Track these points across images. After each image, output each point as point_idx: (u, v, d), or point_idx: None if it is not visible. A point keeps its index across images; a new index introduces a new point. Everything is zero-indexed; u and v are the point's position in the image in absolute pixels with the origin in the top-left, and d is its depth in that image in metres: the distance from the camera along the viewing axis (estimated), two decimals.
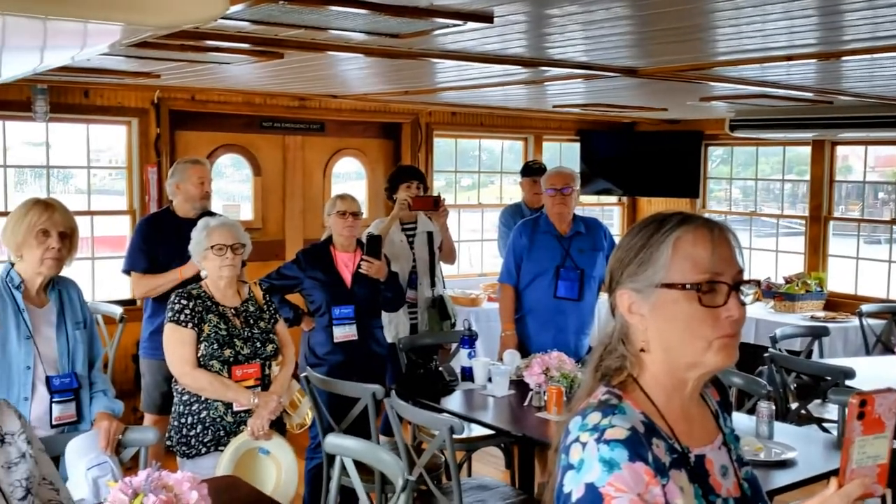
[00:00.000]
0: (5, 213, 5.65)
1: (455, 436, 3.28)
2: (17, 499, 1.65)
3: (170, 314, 3.53)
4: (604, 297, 5.05)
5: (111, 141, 6.39)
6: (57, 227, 3.09)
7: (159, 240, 4.59)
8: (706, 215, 1.54)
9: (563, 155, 8.45)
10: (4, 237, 3.16)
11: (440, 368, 4.22)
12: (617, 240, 5.08)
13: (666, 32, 3.41)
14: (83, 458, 3.02)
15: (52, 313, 3.18)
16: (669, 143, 8.02)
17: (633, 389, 1.46)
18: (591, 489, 1.32)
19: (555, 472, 1.43)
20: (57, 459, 3.04)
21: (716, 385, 1.66)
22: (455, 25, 3.03)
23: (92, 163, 6.24)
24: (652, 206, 8.38)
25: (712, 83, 4.86)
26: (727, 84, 4.89)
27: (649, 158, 7.99)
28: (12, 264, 3.16)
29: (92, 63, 4.21)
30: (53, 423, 3.12)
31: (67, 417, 3.15)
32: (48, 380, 3.11)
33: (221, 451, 3.44)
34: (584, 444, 1.36)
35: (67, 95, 5.78)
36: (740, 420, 3.58)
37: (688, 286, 1.41)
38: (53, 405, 3.11)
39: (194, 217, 4.51)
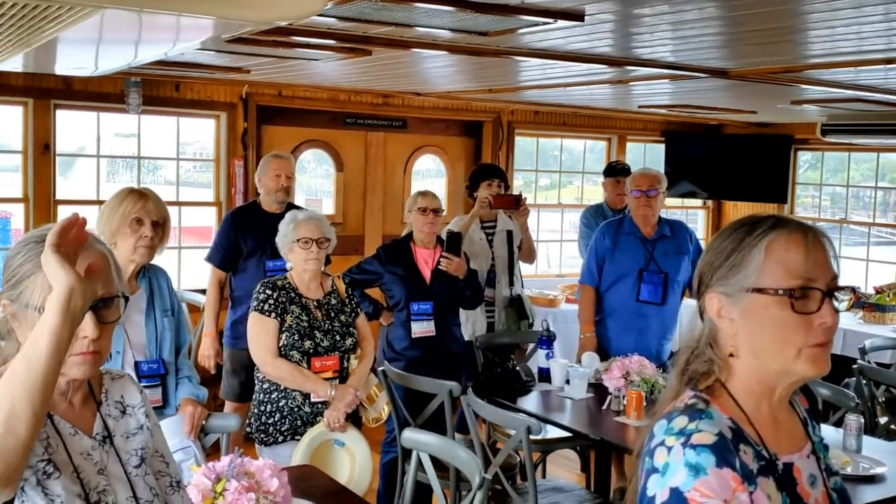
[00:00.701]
0: (98, 202, 5.88)
1: (532, 436, 3.26)
2: (133, 466, 1.73)
3: (254, 303, 3.60)
4: (687, 301, 4.96)
5: (198, 134, 6.55)
6: (150, 216, 3.18)
7: (244, 232, 4.71)
8: None
9: (647, 156, 8.32)
10: (99, 225, 3.26)
11: (517, 368, 4.20)
12: (703, 244, 5.02)
13: (758, 33, 3.33)
14: (167, 442, 3.10)
15: (142, 300, 3.27)
16: (757, 146, 7.82)
17: (721, 394, 1.45)
18: (676, 493, 1.30)
19: (637, 475, 1.42)
20: None
21: (804, 392, 1.62)
22: (545, 23, 3.00)
23: (179, 155, 6.42)
24: (738, 210, 8.19)
25: (804, 86, 4.72)
26: (820, 87, 4.75)
27: (736, 162, 7.80)
28: None
29: (185, 57, 4.32)
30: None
31: (154, 402, 3.22)
32: (136, 365, 3.20)
33: (298, 440, 3.50)
34: (669, 448, 1.35)
35: (159, 89, 5.95)
36: (826, 432, 3.46)
37: (780, 292, 1.38)
38: None
39: (278, 211, 4.62)
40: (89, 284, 1.48)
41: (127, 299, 1.68)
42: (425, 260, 4.47)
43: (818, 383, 3.78)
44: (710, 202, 8.55)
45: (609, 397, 3.85)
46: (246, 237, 4.71)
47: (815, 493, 1.43)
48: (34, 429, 1.40)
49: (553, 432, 4.10)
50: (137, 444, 1.76)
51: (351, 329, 3.71)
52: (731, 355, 1.45)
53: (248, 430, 3.63)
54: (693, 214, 8.68)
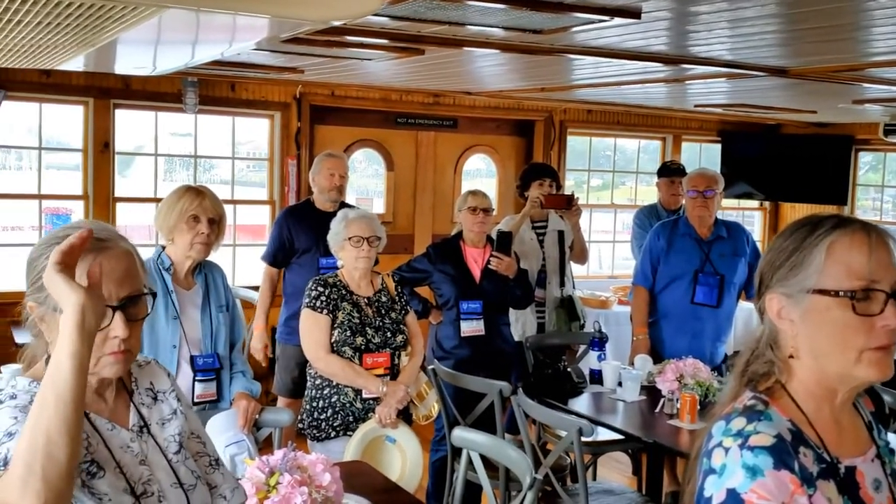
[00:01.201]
0: (156, 200, 5.99)
1: (583, 438, 3.23)
2: (172, 452, 1.75)
3: (307, 300, 3.64)
4: (742, 304, 4.86)
5: (251, 134, 6.64)
6: (207, 213, 3.23)
7: (297, 230, 4.77)
8: None
9: (702, 156, 8.21)
10: (157, 221, 3.32)
11: (568, 369, 4.17)
12: (759, 246, 4.93)
13: (819, 31, 3.26)
14: (221, 435, 3.15)
15: (198, 296, 3.32)
16: (817, 146, 7.66)
17: (781, 396, 1.43)
18: (733, 495, 1.29)
19: (695, 476, 1.41)
20: None
21: (870, 395, 1.59)
22: (600, 21, 2.98)
23: (234, 154, 6.51)
24: (795, 211, 8.04)
25: (866, 84, 4.62)
26: (883, 86, 4.64)
27: (795, 162, 7.65)
28: (163, 247, 3.32)
29: (241, 57, 4.37)
30: (195, 400, 3.25)
31: (208, 396, 3.28)
32: (192, 359, 3.25)
33: (350, 436, 3.52)
34: (727, 449, 1.34)
35: (215, 88, 6.05)
36: (892, 438, 3.37)
37: (842, 293, 1.36)
38: (196, 383, 3.25)
39: (331, 210, 4.66)
40: (98, 298, 1.46)
41: (154, 295, 1.68)
42: (475, 259, 4.47)
43: (880, 388, 3.68)
44: (766, 203, 8.40)
45: (662, 400, 3.80)
46: (299, 235, 4.77)
47: (879, 497, 1.41)
48: (74, 451, 1.40)
49: (604, 434, 4.06)
50: (174, 429, 1.77)
51: (401, 326, 3.73)
52: (792, 357, 1.43)
53: (301, 425, 3.66)
54: (749, 216, 8.55)
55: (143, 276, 1.67)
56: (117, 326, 1.58)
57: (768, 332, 1.47)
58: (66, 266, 1.44)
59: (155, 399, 1.80)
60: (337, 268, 4.11)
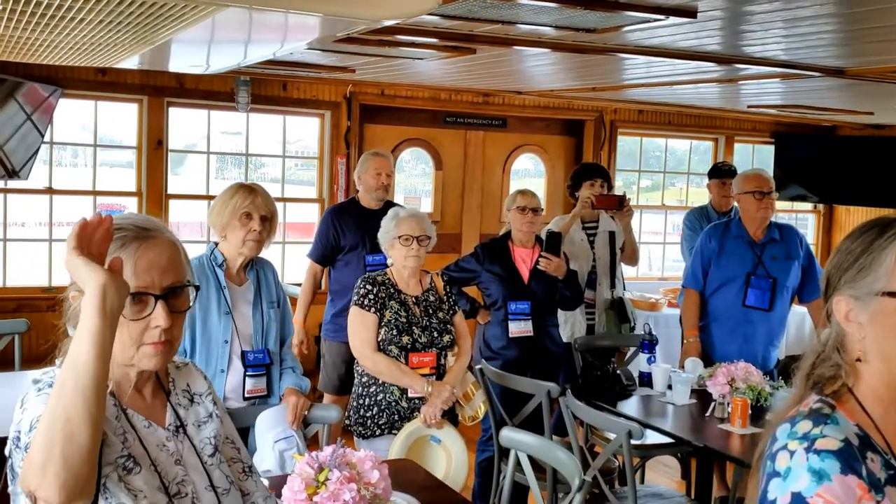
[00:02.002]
0: (208, 198, 6.08)
1: (632, 441, 3.20)
2: (208, 455, 1.74)
3: (355, 298, 3.66)
4: (795, 308, 4.75)
5: (300, 132, 6.70)
6: (259, 210, 3.26)
7: (343, 228, 4.81)
8: None
9: (755, 158, 8.09)
10: (211, 218, 3.36)
11: (617, 372, 4.13)
12: (813, 249, 4.83)
13: (878, 31, 3.20)
14: (271, 430, 3.18)
15: (250, 292, 3.36)
16: (874, 149, 7.49)
17: (848, 400, 1.40)
18: (798, 499, 1.28)
19: (757, 478, 1.40)
20: (247, 431, 3.22)
21: None
22: (655, 20, 2.94)
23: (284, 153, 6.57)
24: (850, 214, 7.88)
25: None
26: None
27: (850, 165, 7.49)
28: (216, 244, 3.36)
29: (293, 57, 4.41)
30: (246, 395, 3.29)
31: (259, 391, 3.32)
32: (243, 354, 3.29)
33: (395, 434, 3.53)
34: (792, 453, 1.32)
35: (267, 88, 6.11)
36: None
37: None
38: (247, 378, 3.28)
39: (377, 208, 4.69)
40: (121, 281, 1.41)
41: (198, 288, 1.66)
42: (523, 259, 4.45)
43: None
44: (820, 206, 8.25)
45: (713, 404, 3.75)
46: (345, 232, 4.80)
47: None
48: (95, 435, 1.35)
49: (653, 438, 4.02)
50: (209, 432, 1.76)
51: (448, 326, 3.73)
52: (859, 360, 1.41)
53: (347, 422, 3.68)
54: (803, 219, 8.40)
55: (186, 268, 1.65)
56: (159, 315, 1.56)
57: (835, 334, 1.44)
58: (84, 248, 1.40)
59: (191, 401, 1.78)
60: (384, 264, 4.16)
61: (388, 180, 4.84)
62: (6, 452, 1.50)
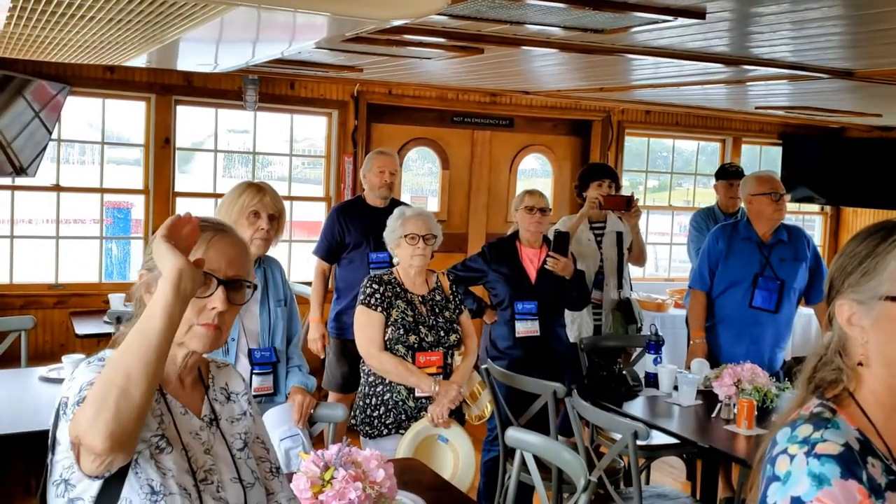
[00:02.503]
0: (215, 196, 6.09)
1: (638, 441, 3.20)
2: (237, 448, 1.81)
3: (361, 297, 3.66)
4: (802, 310, 4.73)
5: (307, 131, 6.71)
6: (267, 209, 3.27)
7: (348, 226, 4.86)
8: None
9: (762, 159, 8.08)
10: (218, 216, 3.36)
11: (623, 372, 4.13)
12: (820, 251, 4.82)
13: (887, 33, 3.18)
14: (277, 429, 3.18)
15: (257, 290, 3.36)
16: (882, 151, 7.47)
17: (849, 404, 1.40)
18: (798, 503, 1.27)
19: (757, 482, 1.40)
20: None
21: None
22: (664, 21, 2.94)
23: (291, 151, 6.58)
24: (857, 216, 7.86)
25: None
26: None
27: (858, 167, 7.48)
28: None
29: (301, 56, 4.42)
30: (252, 393, 3.27)
31: (265, 389, 3.32)
32: (250, 352, 3.29)
33: (402, 434, 3.53)
34: (792, 457, 1.31)
35: (275, 86, 6.12)
36: None
37: None
38: (253, 376, 3.28)
39: (382, 206, 4.71)
40: (197, 271, 1.54)
41: (255, 288, 1.77)
42: (531, 259, 4.44)
43: None
44: (828, 208, 8.23)
45: (719, 405, 3.75)
46: (350, 230, 4.84)
47: None
48: (148, 396, 1.46)
49: (658, 438, 4.02)
50: (241, 428, 1.84)
51: (455, 325, 3.73)
52: (861, 364, 1.40)
53: (353, 421, 3.68)
54: (810, 220, 8.38)
55: (251, 269, 1.78)
56: (217, 298, 1.68)
57: (837, 338, 1.44)
58: (172, 238, 1.54)
59: (228, 398, 1.87)
60: (388, 262, 4.21)
61: (392, 179, 4.85)
62: (51, 422, 1.59)
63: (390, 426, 3.58)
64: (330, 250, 4.92)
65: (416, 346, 3.60)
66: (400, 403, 3.58)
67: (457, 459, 3.55)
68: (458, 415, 3.68)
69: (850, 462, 1.27)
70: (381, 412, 3.59)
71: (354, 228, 4.83)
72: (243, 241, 1.81)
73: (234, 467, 1.76)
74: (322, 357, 5.00)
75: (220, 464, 1.74)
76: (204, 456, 1.72)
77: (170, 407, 1.70)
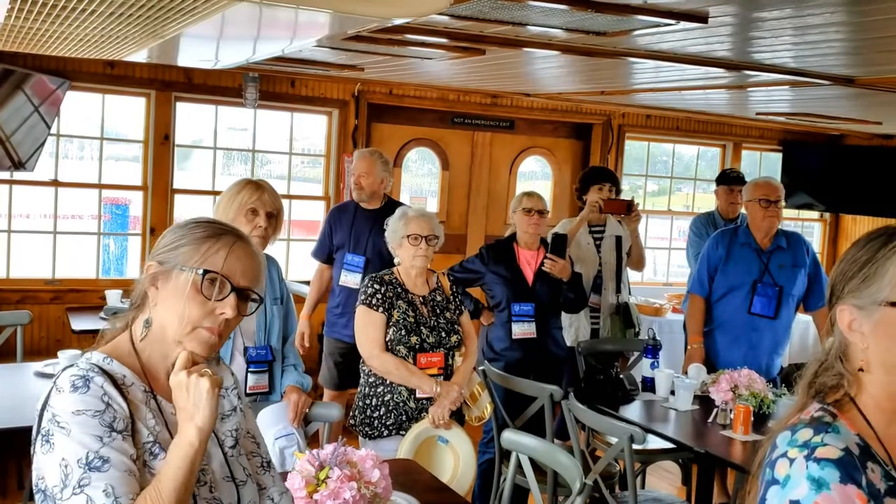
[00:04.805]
0: (213, 193, 6.08)
1: (634, 446, 3.19)
2: (229, 446, 1.79)
3: (362, 297, 3.64)
4: (800, 316, 4.71)
5: (308, 130, 6.70)
6: (265, 207, 3.26)
7: (337, 227, 4.92)
8: None
9: (762, 165, 8.08)
10: (216, 213, 3.35)
11: (620, 376, 4.12)
12: (819, 258, 4.82)
13: (889, 40, 3.17)
14: (272, 428, 3.17)
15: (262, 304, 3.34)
16: (881, 159, 7.48)
17: (850, 409, 1.39)
18: None
19: (756, 486, 1.39)
20: None
21: None
22: (666, 24, 2.93)
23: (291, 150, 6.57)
24: (857, 224, 7.87)
25: None
26: None
27: (858, 174, 7.48)
28: None
29: (302, 54, 4.41)
30: (248, 391, 3.27)
31: (260, 388, 3.31)
32: (246, 351, 3.28)
33: (402, 435, 3.51)
34: (791, 461, 1.31)
35: (275, 84, 6.11)
36: None
37: None
38: (249, 375, 3.27)
39: (371, 208, 4.78)
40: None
41: (261, 303, 1.75)
42: (528, 261, 4.44)
43: None
44: (827, 215, 8.23)
45: (715, 410, 3.74)
46: (338, 231, 4.89)
47: None
48: None
49: (654, 443, 4.01)
50: (231, 425, 1.81)
51: (456, 326, 3.72)
52: (862, 370, 1.40)
53: (352, 422, 3.66)
54: (809, 227, 8.38)
55: (263, 283, 1.76)
56: (228, 304, 1.64)
57: (838, 343, 1.43)
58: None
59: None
60: (361, 267, 4.48)
61: (364, 181, 4.82)
62: (31, 452, 1.58)
63: (391, 427, 3.56)
64: (322, 250, 5.00)
65: (417, 347, 3.59)
66: (401, 404, 3.56)
67: (457, 461, 3.54)
68: (457, 416, 3.66)
69: (850, 467, 1.27)
70: (381, 413, 3.57)
71: (341, 230, 4.88)
72: (261, 255, 1.78)
73: (226, 466, 1.74)
74: (301, 353, 5.03)
75: (213, 463, 1.72)
76: None
77: (161, 408, 1.67)
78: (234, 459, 1.77)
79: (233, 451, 1.78)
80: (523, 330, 4.34)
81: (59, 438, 1.52)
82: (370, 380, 3.64)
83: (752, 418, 3.55)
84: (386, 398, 3.58)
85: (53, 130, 5.61)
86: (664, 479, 5.25)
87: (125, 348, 1.69)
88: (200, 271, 1.64)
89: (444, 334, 3.65)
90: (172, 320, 1.64)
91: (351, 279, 4.76)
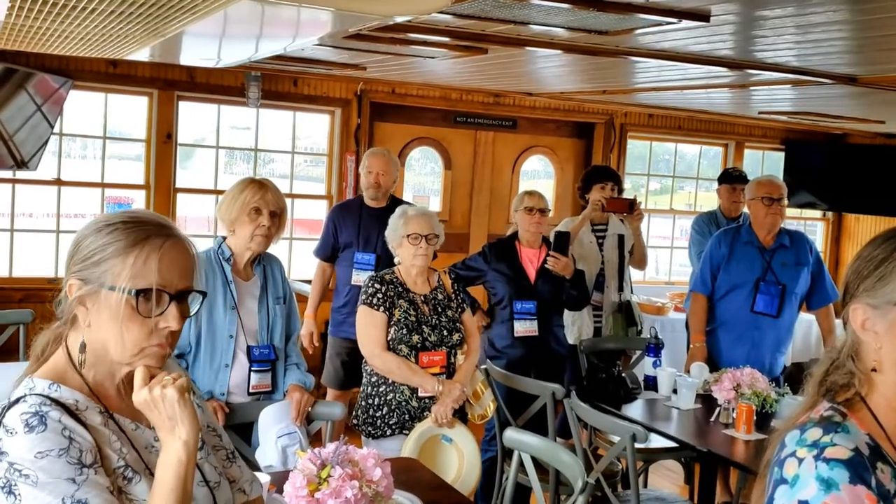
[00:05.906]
0: (216, 192, 6.08)
1: (636, 444, 3.19)
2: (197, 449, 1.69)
3: (363, 297, 3.64)
4: (803, 315, 4.71)
5: (310, 129, 6.70)
6: (269, 206, 3.26)
7: (342, 225, 4.89)
8: None
9: (765, 164, 8.07)
10: (220, 212, 3.36)
11: (623, 375, 4.12)
12: (822, 256, 4.81)
13: (890, 39, 3.16)
14: (274, 426, 3.17)
15: (256, 287, 3.35)
16: (884, 158, 7.46)
17: (860, 409, 1.38)
18: None
19: (764, 485, 1.38)
20: (250, 426, 3.22)
21: None
22: (668, 23, 2.93)
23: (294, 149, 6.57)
24: (860, 223, 7.86)
25: None
26: None
27: (860, 173, 7.47)
28: (224, 238, 3.36)
29: (305, 53, 4.41)
30: (250, 390, 3.28)
31: (263, 387, 3.31)
32: (248, 349, 3.28)
33: (406, 434, 3.50)
34: (800, 460, 1.30)
35: (278, 83, 6.11)
36: None
37: None
38: (252, 374, 3.28)
39: (377, 206, 4.74)
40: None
41: (205, 296, 1.61)
42: (530, 259, 4.44)
43: None
44: (829, 214, 8.22)
45: (718, 409, 3.74)
46: (343, 229, 4.86)
47: None
48: None
49: (656, 442, 4.01)
50: None
51: (458, 324, 3.71)
52: (874, 370, 1.38)
53: (355, 421, 3.66)
54: (811, 226, 8.37)
55: (198, 276, 1.60)
56: (171, 316, 1.51)
57: (850, 342, 1.42)
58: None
59: None
60: (373, 264, 4.36)
61: (382, 179, 4.81)
62: None
63: (394, 426, 3.55)
64: (325, 249, 4.95)
65: (419, 345, 3.58)
66: (403, 403, 3.55)
67: (461, 459, 3.53)
68: (461, 415, 3.66)
69: (860, 467, 1.26)
70: (384, 412, 3.57)
71: (347, 228, 4.84)
72: (190, 245, 1.59)
73: (198, 470, 1.62)
74: (311, 352, 5.02)
75: None
76: None
77: (121, 426, 1.54)
78: (204, 461, 1.67)
79: (201, 453, 1.66)
80: (525, 327, 4.34)
81: (26, 490, 1.37)
82: (372, 379, 3.63)
83: (755, 417, 3.54)
84: (388, 397, 3.57)
85: (56, 129, 5.61)
86: (666, 478, 5.25)
87: (67, 370, 1.54)
88: (133, 291, 1.48)
89: (445, 333, 3.65)
90: (114, 343, 1.50)
91: (363, 277, 4.75)
